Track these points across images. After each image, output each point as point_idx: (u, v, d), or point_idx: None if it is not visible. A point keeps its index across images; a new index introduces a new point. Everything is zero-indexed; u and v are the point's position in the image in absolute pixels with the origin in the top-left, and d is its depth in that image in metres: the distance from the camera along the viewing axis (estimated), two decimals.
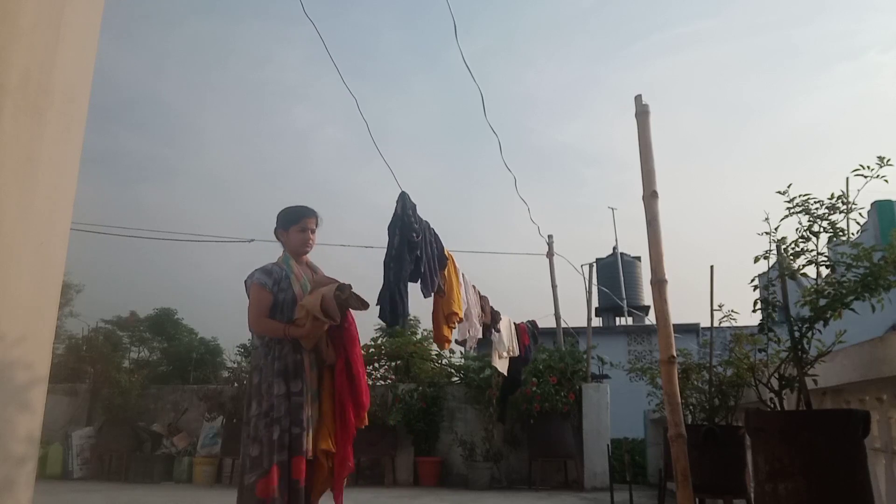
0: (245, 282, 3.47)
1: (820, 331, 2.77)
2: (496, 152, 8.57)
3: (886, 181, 2.75)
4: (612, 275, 18.01)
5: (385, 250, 4.72)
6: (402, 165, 16.08)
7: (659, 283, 3.34)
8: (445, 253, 5.44)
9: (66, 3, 2.40)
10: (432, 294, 5.11)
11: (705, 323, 3.93)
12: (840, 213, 2.84)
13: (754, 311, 2.98)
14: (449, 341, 5.68)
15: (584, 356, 9.50)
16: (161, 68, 32.71)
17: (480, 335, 6.54)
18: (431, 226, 5.17)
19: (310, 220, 3.54)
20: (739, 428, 3.62)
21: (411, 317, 8.65)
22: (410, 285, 4.75)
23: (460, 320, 5.63)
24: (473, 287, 6.40)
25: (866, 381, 2.78)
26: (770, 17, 36.94)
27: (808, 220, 2.87)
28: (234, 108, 33.40)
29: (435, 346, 9.73)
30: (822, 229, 2.85)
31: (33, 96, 2.23)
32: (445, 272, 5.39)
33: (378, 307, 4.66)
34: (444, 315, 5.42)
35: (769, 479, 2.49)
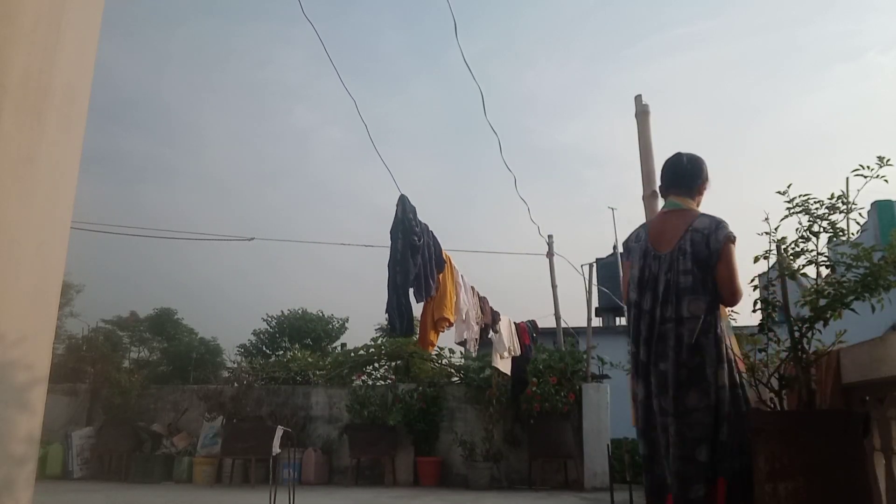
0: (719, 235, 2.67)
1: (820, 331, 2.77)
2: (496, 152, 8.55)
3: (886, 181, 2.75)
4: (612, 275, 17.97)
5: (388, 254, 4.72)
6: (403, 166, 16.10)
7: None
8: (444, 256, 5.44)
9: (66, 3, 2.40)
10: (425, 299, 5.11)
11: None
12: (840, 213, 2.84)
13: (754, 311, 2.98)
14: (433, 345, 5.69)
15: (584, 356, 9.50)
16: (161, 68, 32.76)
17: (478, 336, 6.54)
18: (430, 228, 5.18)
19: None
20: None
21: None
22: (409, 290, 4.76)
23: (450, 325, 5.63)
24: (472, 288, 6.41)
25: (866, 381, 2.78)
26: (770, 17, 36.98)
27: (808, 220, 2.87)
28: (234, 108, 33.43)
29: (434, 347, 9.74)
30: (822, 229, 2.85)
31: (33, 96, 2.24)
32: (441, 276, 5.40)
33: (388, 318, 4.64)
34: (433, 319, 5.42)
35: (769, 479, 2.49)
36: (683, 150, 3.00)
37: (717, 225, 2.72)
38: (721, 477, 2.52)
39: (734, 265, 2.68)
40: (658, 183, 3.01)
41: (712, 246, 2.65)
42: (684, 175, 2.92)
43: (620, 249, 2.99)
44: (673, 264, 2.67)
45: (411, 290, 4.81)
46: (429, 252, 5.02)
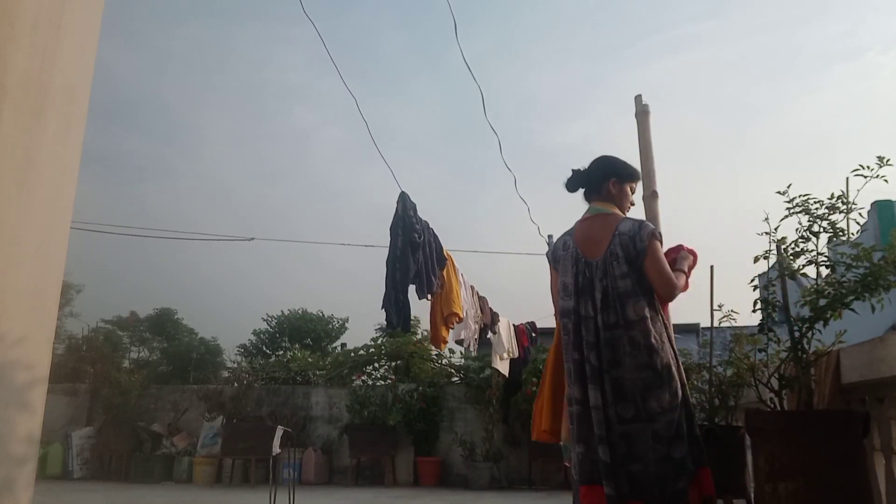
0: (643, 234, 2.67)
1: (820, 331, 2.77)
2: (497, 153, 8.56)
3: (886, 181, 2.75)
4: None
5: (388, 251, 4.71)
6: (403, 166, 16.08)
7: None
8: (444, 253, 5.43)
9: (66, 3, 2.40)
10: (427, 296, 5.10)
11: (705, 323, 3.93)
12: (840, 213, 2.84)
13: (754, 311, 2.98)
14: (446, 342, 5.66)
15: None
16: (162, 68, 32.75)
17: (477, 336, 6.54)
18: (430, 225, 5.17)
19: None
20: (739, 428, 3.62)
21: (412, 317, 8.67)
22: (410, 287, 4.75)
23: (460, 320, 5.62)
24: (472, 288, 6.41)
25: (866, 381, 2.78)
26: (770, 18, 36.96)
27: (808, 221, 2.87)
28: (234, 108, 33.41)
29: (447, 343, 9.75)
30: (822, 229, 2.85)
31: (33, 96, 2.24)
32: (444, 272, 5.39)
33: (384, 312, 4.62)
34: (442, 315, 5.41)
35: (769, 479, 2.49)
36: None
37: (640, 225, 2.71)
38: (704, 467, 2.51)
39: (662, 260, 2.67)
40: (655, 184, 3.00)
41: (638, 246, 2.65)
42: (590, 178, 2.91)
43: (550, 260, 2.91)
44: (608, 270, 2.66)
45: (413, 287, 4.81)
46: (429, 249, 5.02)
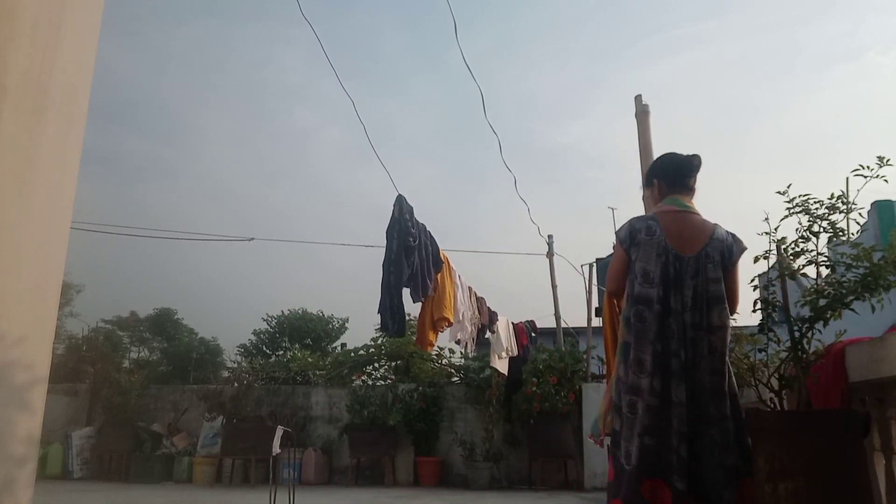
0: (739, 248, 2.78)
1: (820, 331, 2.77)
2: (497, 153, 8.59)
3: (886, 181, 2.75)
4: None
5: (384, 255, 4.71)
6: (403, 166, 16.11)
7: None
8: (441, 256, 5.43)
9: (66, 3, 2.40)
10: (422, 300, 5.10)
11: None
12: (840, 213, 2.84)
13: (754, 311, 2.98)
14: (432, 345, 5.67)
15: (584, 356, 9.50)
16: (162, 69, 32.73)
17: (474, 336, 6.54)
18: (428, 228, 5.17)
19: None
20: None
21: (410, 317, 8.65)
22: (404, 290, 4.74)
23: (449, 325, 5.62)
24: (470, 289, 6.40)
25: (866, 381, 2.78)
26: (770, 18, 36.94)
27: (808, 221, 2.87)
28: (234, 108, 33.39)
29: (433, 347, 9.75)
30: (822, 229, 2.85)
31: (33, 96, 2.24)
32: (440, 276, 5.38)
33: (379, 317, 4.62)
34: (432, 319, 5.40)
35: (769, 479, 2.49)
36: (680, 151, 2.99)
37: (734, 237, 2.79)
38: (747, 478, 2.56)
39: (739, 277, 2.80)
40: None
41: (733, 257, 2.73)
42: (691, 177, 2.91)
43: (622, 239, 2.81)
44: (700, 270, 2.65)
45: (407, 291, 4.81)
46: (425, 252, 5.01)
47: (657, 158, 3.03)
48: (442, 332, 5.62)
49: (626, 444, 2.60)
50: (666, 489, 2.50)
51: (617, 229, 2.90)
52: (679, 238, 2.72)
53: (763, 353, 3.05)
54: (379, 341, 11.05)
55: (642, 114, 4.04)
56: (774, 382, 2.87)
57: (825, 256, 2.86)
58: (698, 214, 2.83)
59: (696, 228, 2.75)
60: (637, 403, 2.60)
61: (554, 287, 11.67)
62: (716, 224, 2.81)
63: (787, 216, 2.92)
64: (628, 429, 2.62)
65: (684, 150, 2.98)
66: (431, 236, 5.21)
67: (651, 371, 2.61)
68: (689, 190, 2.89)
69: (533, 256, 12.17)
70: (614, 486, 2.66)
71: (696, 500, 2.50)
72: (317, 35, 4.34)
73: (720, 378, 2.60)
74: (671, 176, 2.91)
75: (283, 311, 17.50)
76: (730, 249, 2.73)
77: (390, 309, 4.52)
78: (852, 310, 2.66)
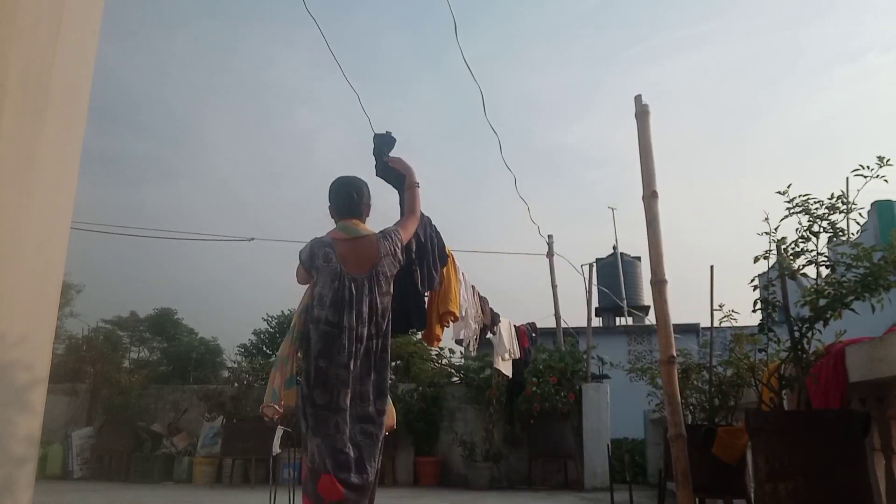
0: (395, 239, 3.25)
1: (820, 331, 2.77)
2: (497, 153, 8.59)
3: (886, 181, 2.75)
4: (612, 275, 18.01)
5: None
6: None
7: (659, 284, 3.34)
8: (446, 250, 5.42)
9: (66, 3, 2.40)
10: (428, 292, 5.09)
11: (705, 323, 3.93)
12: (840, 213, 2.84)
13: (754, 311, 2.98)
14: (439, 339, 5.66)
15: (584, 356, 9.50)
16: (164, 70, 32.71)
17: (477, 335, 6.53)
18: (433, 222, 5.15)
19: None
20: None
21: None
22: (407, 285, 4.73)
23: (455, 319, 5.61)
24: (473, 287, 6.40)
25: (866, 381, 2.78)
26: (770, 19, 36.94)
27: (808, 220, 2.87)
28: (236, 109, 33.40)
29: (440, 341, 9.74)
30: (822, 229, 2.85)
31: (33, 96, 2.23)
32: (445, 270, 5.37)
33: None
34: (438, 313, 5.40)
35: (769, 479, 2.49)
36: (346, 174, 3.31)
37: (384, 235, 3.13)
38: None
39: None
40: (655, 184, 2.97)
41: (399, 253, 3.17)
42: (360, 203, 3.22)
43: (304, 261, 3.12)
44: (372, 287, 3.00)
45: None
46: (431, 244, 5.00)
47: (331, 184, 3.30)
48: (448, 326, 5.60)
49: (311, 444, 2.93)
50: (339, 484, 2.88)
51: (300, 250, 3.14)
52: (350, 261, 3.05)
53: (763, 353, 3.05)
54: None
55: (642, 114, 4.03)
56: (774, 382, 2.87)
57: (825, 256, 2.86)
58: (370, 234, 3.11)
59: (367, 250, 3.07)
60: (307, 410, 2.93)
61: (554, 287, 11.65)
62: (379, 238, 3.10)
63: (787, 216, 2.92)
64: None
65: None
66: (437, 230, 5.20)
67: (321, 384, 2.95)
68: (359, 214, 3.20)
69: (533, 256, 12.16)
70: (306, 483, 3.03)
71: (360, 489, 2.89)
72: (322, 33, 4.33)
73: (382, 379, 3.03)
74: (339, 204, 3.22)
75: (283, 311, 17.50)
76: (394, 253, 3.13)
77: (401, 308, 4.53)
78: (852, 310, 2.66)
